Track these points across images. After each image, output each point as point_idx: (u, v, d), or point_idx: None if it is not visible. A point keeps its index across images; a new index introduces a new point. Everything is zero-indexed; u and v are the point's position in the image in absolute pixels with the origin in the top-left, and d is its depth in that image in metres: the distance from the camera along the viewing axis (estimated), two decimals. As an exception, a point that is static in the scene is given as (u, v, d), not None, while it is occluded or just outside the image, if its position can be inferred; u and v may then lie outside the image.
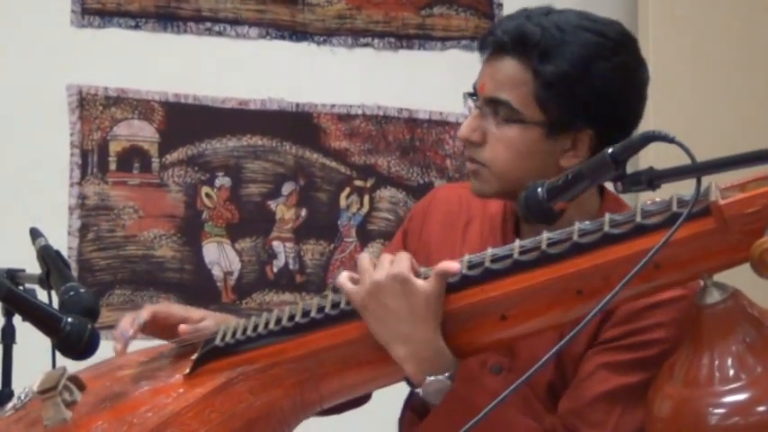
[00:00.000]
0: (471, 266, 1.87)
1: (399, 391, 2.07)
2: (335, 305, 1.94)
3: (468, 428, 1.69)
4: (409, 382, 1.93)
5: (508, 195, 2.10)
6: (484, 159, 2.09)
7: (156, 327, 2.14)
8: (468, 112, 2.16)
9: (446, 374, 1.88)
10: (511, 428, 1.95)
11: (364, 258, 1.93)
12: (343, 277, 1.95)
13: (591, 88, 2.04)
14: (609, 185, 1.87)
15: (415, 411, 2.13)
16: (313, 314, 1.95)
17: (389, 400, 2.20)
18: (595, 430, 1.97)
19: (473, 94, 2.13)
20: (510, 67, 2.06)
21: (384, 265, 1.90)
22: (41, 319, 2.09)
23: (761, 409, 1.68)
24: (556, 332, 1.93)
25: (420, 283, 1.88)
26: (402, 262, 1.90)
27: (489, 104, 2.08)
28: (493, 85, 2.07)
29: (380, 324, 1.89)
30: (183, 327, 2.10)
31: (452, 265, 1.89)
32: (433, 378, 1.88)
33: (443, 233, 2.24)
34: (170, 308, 2.17)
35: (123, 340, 2.10)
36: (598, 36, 2.06)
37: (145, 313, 2.12)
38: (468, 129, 2.10)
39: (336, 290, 1.98)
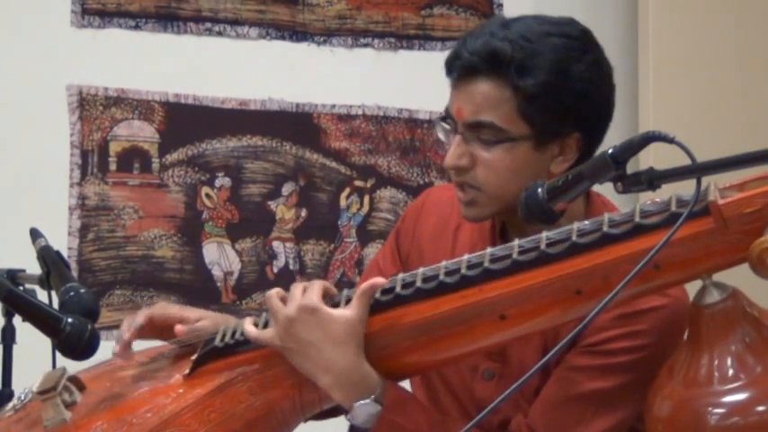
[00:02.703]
0: (470, 267, 1.87)
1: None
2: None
3: (470, 428, 1.70)
4: (344, 411, 1.93)
5: (503, 213, 2.10)
6: (477, 183, 2.07)
7: (153, 329, 2.14)
8: (442, 136, 2.13)
9: (372, 397, 1.88)
10: None
11: (272, 297, 1.93)
12: (249, 327, 1.94)
13: (573, 92, 2.03)
14: (596, 188, 1.87)
15: None
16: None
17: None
18: None
19: (444, 118, 2.11)
20: (486, 87, 2.04)
21: (295, 298, 1.90)
22: (41, 319, 2.08)
23: (760, 408, 1.68)
24: (542, 338, 1.94)
25: (332, 310, 1.88)
26: (312, 291, 1.90)
27: (471, 129, 2.06)
28: (472, 109, 2.05)
29: (301, 358, 1.89)
30: (179, 327, 2.10)
31: (375, 281, 1.89)
32: (360, 402, 1.88)
33: (435, 234, 2.24)
34: (166, 309, 2.17)
35: (122, 343, 2.10)
36: (564, 38, 2.05)
37: (140, 317, 2.12)
38: (455, 156, 2.07)
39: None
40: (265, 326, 1.96)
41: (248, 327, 1.95)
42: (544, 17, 2.09)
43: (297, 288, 1.92)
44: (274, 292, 1.94)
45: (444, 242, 2.21)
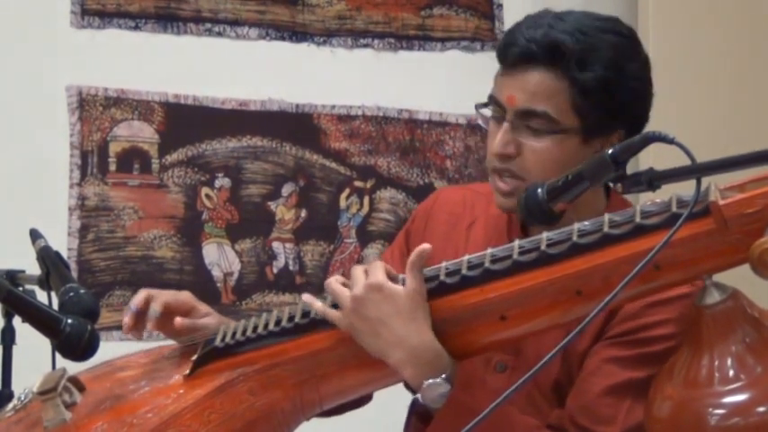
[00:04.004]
0: (471, 267, 1.87)
1: (401, 392, 2.07)
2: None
3: (471, 428, 1.69)
4: (410, 389, 1.93)
5: None
6: (521, 172, 2.07)
7: (165, 319, 2.14)
8: (483, 122, 2.13)
9: (443, 376, 1.87)
10: (511, 427, 1.94)
11: (332, 283, 1.93)
12: (319, 303, 1.94)
13: (626, 89, 2.06)
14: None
15: (419, 417, 2.13)
16: (312, 315, 1.95)
17: (390, 401, 2.20)
18: (604, 426, 1.97)
19: (485, 105, 2.12)
20: (542, 77, 2.05)
21: (359, 279, 1.90)
22: (41, 320, 2.08)
23: (761, 409, 1.68)
24: (562, 330, 1.93)
25: (396, 285, 1.88)
26: (376, 270, 1.89)
27: (521, 117, 2.06)
28: (525, 97, 2.06)
29: (373, 338, 1.88)
30: (178, 320, 2.11)
31: (421, 248, 1.88)
32: (431, 381, 1.87)
33: (447, 234, 2.24)
34: (179, 296, 2.18)
35: (132, 314, 2.10)
36: (618, 36, 2.08)
37: (157, 306, 2.12)
38: (502, 143, 2.08)
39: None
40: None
41: (315, 302, 1.94)
42: (592, 13, 2.12)
43: (358, 270, 1.92)
44: (333, 280, 1.94)
45: (456, 241, 2.21)
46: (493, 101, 2.11)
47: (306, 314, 1.96)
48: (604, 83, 2.03)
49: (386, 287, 1.87)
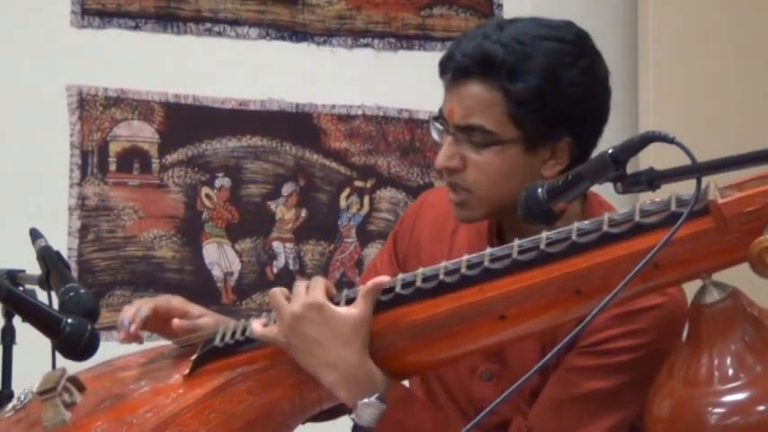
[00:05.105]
0: (470, 266, 1.87)
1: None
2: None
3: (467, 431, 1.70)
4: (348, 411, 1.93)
5: (495, 215, 2.10)
6: (467, 185, 2.07)
7: (157, 322, 2.14)
8: (436, 136, 2.13)
9: (375, 396, 1.87)
10: None
11: (276, 294, 1.93)
12: (256, 324, 1.94)
13: (563, 97, 2.02)
14: (596, 188, 1.86)
15: None
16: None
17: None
18: None
19: (436, 118, 2.11)
20: (477, 90, 2.04)
21: (299, 296, 1.90)
22: (41, 320, 2.08)
23: (760, 408, 1.68)
24: (540, 339, 1.94)
25: (337, 308, 1.88)
26: (316, 289, 1.90)
27: (462, 130, 2.06)
28: (463, 111, 2.05)
29: (306, 355, 1.89)
30: (176, 321, 2.10)
31: (380, 280, 1.89)
32: (365, 401, 1.88)
33: (433, 236, 2.24)
34: (170, 301, 2.17)
35: (125, 330, 2.10)
36: (558, 42, 2.04)
37: (146, 308, 2.12)
38: (446, 157, 2.07)
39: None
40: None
41: (255, 324, 1.95)
42: (541, 20, 2.09)
43: (300, 286, 1.92)
44: (278, 290, 1.94)
45: (442, 244, 2.20)
46: (440, 114, 2.11)
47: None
48: (538, 92, 2.01)
49: (325, 308, 1.88)
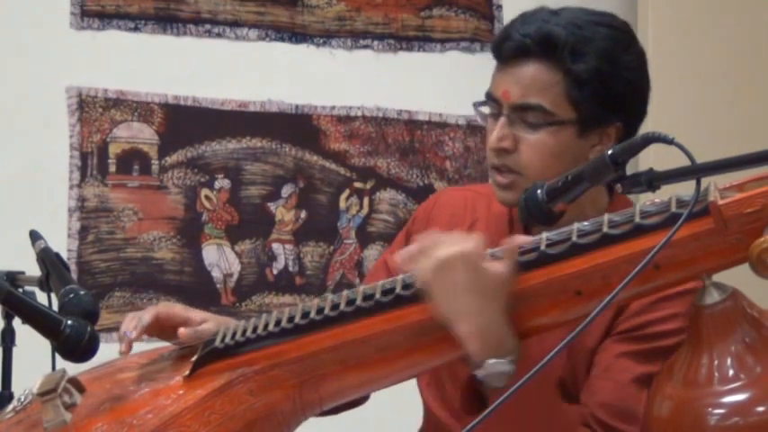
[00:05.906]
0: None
1: (401, 392, 2.07)
2: (335, 306, 1.94)
3: (478, 423, 1.68)
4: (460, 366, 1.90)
5: None
6: (518, 166, 2.09)
7: (158, 328, 2.14)
8: (482, 120, 2.14)
9: (509, 358, 1.84)
10: (563, 414, 1.93)
11: (431, 233, 1.88)
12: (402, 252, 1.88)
13: (620, 81, 2.07)
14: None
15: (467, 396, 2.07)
16: (312, 316, 1.95)
17: (390, 401, 2.20)
18: (626, 420, 1.97)
19: (484, 103, 2.13)
20: (536, 70, 2.07)
21: (457, 241, 1.85)
22: (41, 321, 2.08)
23: (760, 409, 1.68)
24: (565, 330, 1.91)
25: (490, 263, 1.83)
26: (477, 241, 1.84)
27: (517, 111, 2.08)
28: (520, 91, 2.07)
29: (449, 300, 1.83)
30: (182, 330, 2.10)
31: (518, 239, 1.85)
32: (495, 360, 1.84)
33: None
34: (172, 308, 2.17)
35: (127, 341, 2.10)
36: (612, 29, 2.10)
37: (148, 315, 2.12)
38: (498, 138, 2.09)
39: (335, 291, 1.97)
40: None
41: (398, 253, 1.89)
42: (587, 9, 2.13)
43: (457, 233, 1.89)
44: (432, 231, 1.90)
45: None
46: (490, 97, 2.13)
47: (305, 315, 1.96)
48: (599, 74, 2.05)
49: (481, 259, 1.82)
